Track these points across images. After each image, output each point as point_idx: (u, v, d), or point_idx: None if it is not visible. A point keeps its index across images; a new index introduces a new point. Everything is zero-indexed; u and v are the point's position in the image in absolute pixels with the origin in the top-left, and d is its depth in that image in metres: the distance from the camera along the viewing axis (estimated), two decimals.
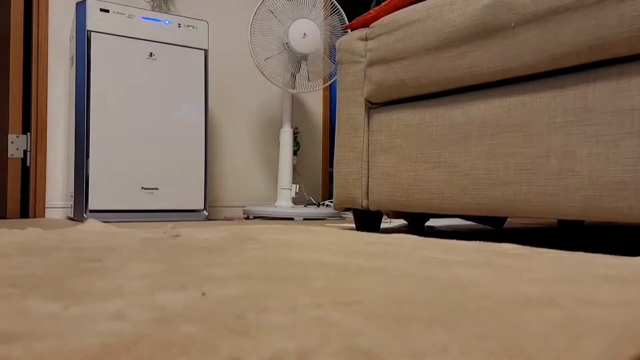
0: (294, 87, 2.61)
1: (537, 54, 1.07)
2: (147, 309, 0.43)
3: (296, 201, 2.70)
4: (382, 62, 1.42)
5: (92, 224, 1.26)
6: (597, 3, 0.97)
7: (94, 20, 2.13)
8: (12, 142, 2.33)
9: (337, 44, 1.60)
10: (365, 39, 1.49)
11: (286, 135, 2.65)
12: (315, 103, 3.25)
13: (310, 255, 0.83)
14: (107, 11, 2.16)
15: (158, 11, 2.50)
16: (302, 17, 2.51)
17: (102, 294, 0.49)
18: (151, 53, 2.24)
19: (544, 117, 1.07)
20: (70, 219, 2.23)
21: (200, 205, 2.33)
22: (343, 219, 2.51)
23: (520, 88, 1.13)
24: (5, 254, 0.79)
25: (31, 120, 2.35)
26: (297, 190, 2.61)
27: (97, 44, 2.13)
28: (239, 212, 2.86)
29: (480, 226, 1.96)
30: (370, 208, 1.50)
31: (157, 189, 2.22)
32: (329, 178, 3.27)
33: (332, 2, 2.60)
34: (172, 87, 2.28)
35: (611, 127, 0.97)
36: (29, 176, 2.36)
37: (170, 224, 1.36)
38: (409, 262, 0.75)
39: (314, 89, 2.67)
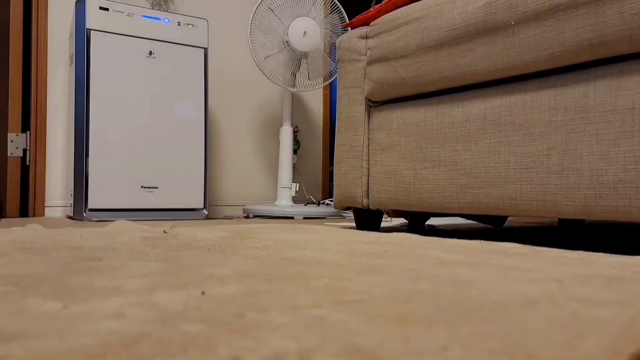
0: (294, 86, 2.60)
1: (537, 53, 1.07)
2: (147, 308, 0.43)
3: (296, 200, 2.69)
4: (382, 61, 1.42)
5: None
6: (598, 1, 0.97)
7: (93, 19, 2.13)
8: (12, 141, 2.33)
9: (337, 42, 1.60)
10: (366, 37, 1.49)
11: (286, 134, 2.65)
12: (315, 101, 3.25)
13: (310, 254, 0.83)
14: (107, 9, 2.16)
15: (158, 9, 2.50)
16: (303, 15, 2.50)
17: (101, 293, 0.49)
18: (151, 51, 2.24)
19: (544, 116, 1.07)
20: (69, 218, 2.23)
21: (200, 204, 2.33)
22: (343, 218, 2.51)
23: (520, 86, 1.12)
24: (4, 253, 0.78)
25: (30, 118, 2.35)
26: (297, 189, 2.61)
27: (97, 42, 2.12)
28: (238, 211, 2.86)
29: (481, 225, 1.96)
30: (371, 207, 1.49)
31: (156, 187, 2.22)
32: (329, 177, 3.27)
33: (333, 0, 2.60)
34: (171, 86, 2.28)
35: (612, 126, 0.97)
36: (29, 175, 2.35)
37: (170, 223, 1.36)
38: (409, 261, 0.75)
39: (314, 88, 2.66)
